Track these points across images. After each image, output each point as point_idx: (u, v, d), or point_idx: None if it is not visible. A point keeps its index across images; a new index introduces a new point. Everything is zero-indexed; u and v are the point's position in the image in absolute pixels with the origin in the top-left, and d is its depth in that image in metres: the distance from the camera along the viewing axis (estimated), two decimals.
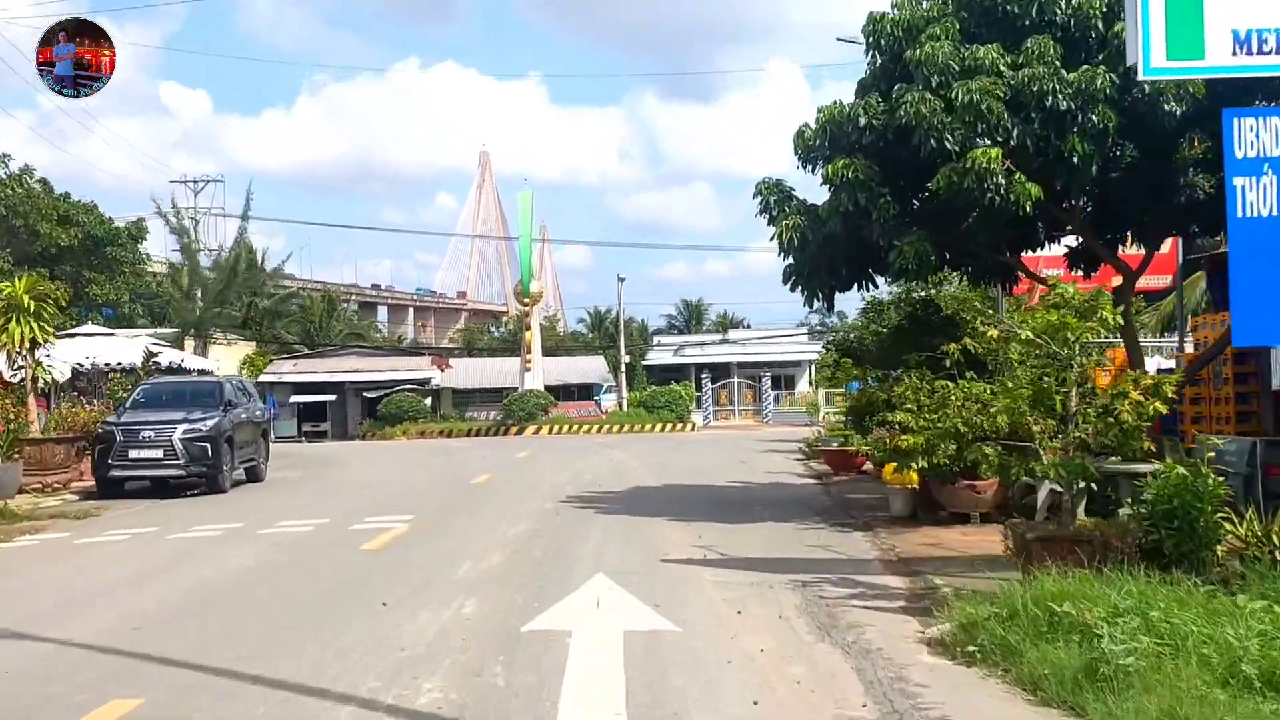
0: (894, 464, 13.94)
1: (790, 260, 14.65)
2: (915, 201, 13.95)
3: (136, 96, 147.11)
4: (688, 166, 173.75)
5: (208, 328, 40.71)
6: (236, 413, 21.89)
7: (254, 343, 65.18)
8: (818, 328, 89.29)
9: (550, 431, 45.47)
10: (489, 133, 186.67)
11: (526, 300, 47.34)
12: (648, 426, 47.36)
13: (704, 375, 61.40)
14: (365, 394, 53.35)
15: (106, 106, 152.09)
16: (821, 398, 61.02)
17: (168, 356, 32.14)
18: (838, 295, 15.43)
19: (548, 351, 66.74)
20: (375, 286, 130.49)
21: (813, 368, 67.34)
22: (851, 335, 39.88)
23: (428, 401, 54.44)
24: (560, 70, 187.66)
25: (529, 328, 47.93)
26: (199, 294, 46.86)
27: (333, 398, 54.89)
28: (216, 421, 20.67)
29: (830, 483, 19.85)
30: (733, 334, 74.47)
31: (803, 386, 67.92)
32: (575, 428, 46.23)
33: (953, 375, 12.97)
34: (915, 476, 13.99)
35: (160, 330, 43.83)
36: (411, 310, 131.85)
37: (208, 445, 20.20)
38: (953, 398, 12.72)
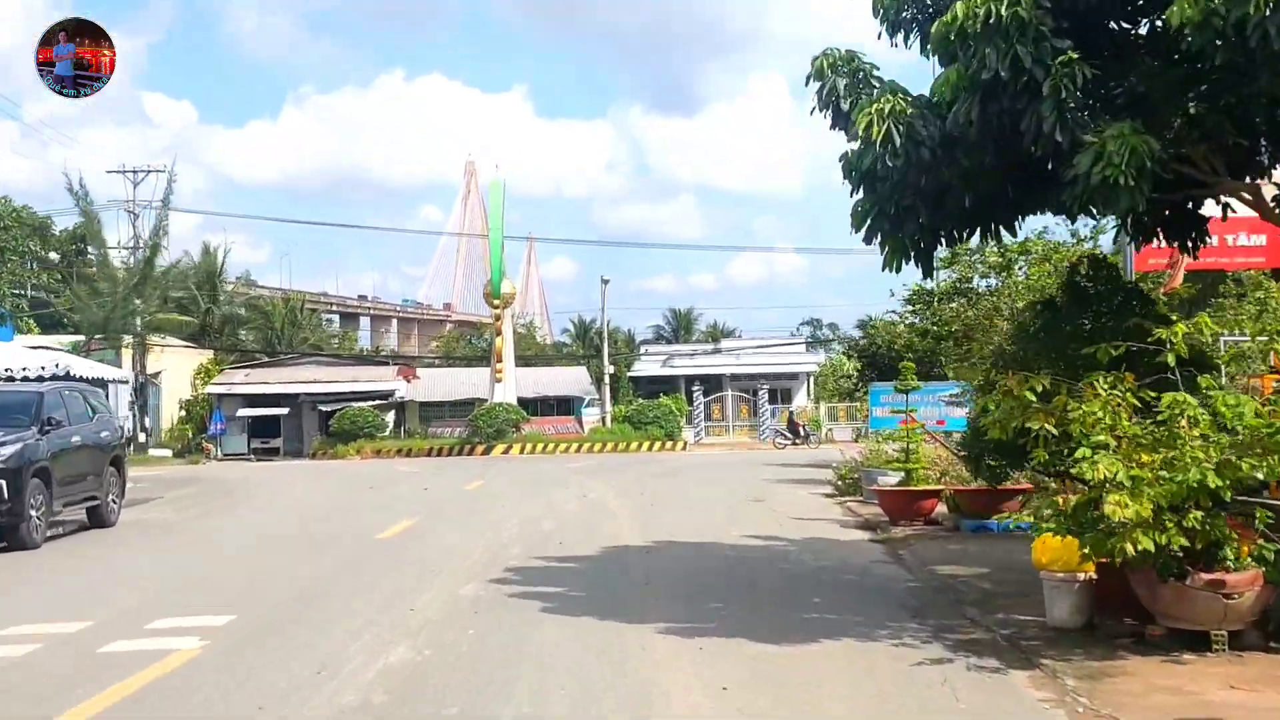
0: (1061, 539, 7.71)
1: (869, 189, 8.30)
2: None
3: (120, 106, 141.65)
4: (673, 179, 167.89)
5: (122, 330, 33.85)
6: (63, 435, 15.50)
7: (212, 350, 58.83)
8: (822, 337, 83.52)
9: (521, 450, 39.15)
10: (475, 144, 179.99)
11: (497, 302, 41.01)
12: (633, 445, 41.12)
13: (695, 388, 55.10)
14: (321, 407, 47.01)
15: (88, 116, 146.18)
16: (823, 412, 54.91)
17: (50, 363, 25.75)
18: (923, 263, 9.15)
19: (525, 361, 60.38)
20: (361, 297, 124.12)
21: (811, 380, 61.00)
22: (884, 337, 34.28)
23: (390, 416, 48.15)
24: (546, 82, 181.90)
25: (500, 332, 41.61)
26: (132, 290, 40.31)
27: (285, 411, 48.53)
28: (19, 449, 14.31)
29: (893, 539, 13.49)
30: (725, 343, 68.08)
31: (800, 400, 61.57)
32: (550, 447, 39.91)
33: (1167, 382, 7.05)
34: (1090, 565, 7.83)
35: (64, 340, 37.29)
36: (395, 321, 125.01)
37: (2, 483, 13.88)
38: (1185, 425, 6.77)
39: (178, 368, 52.11)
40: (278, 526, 17.41)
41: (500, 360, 41.66)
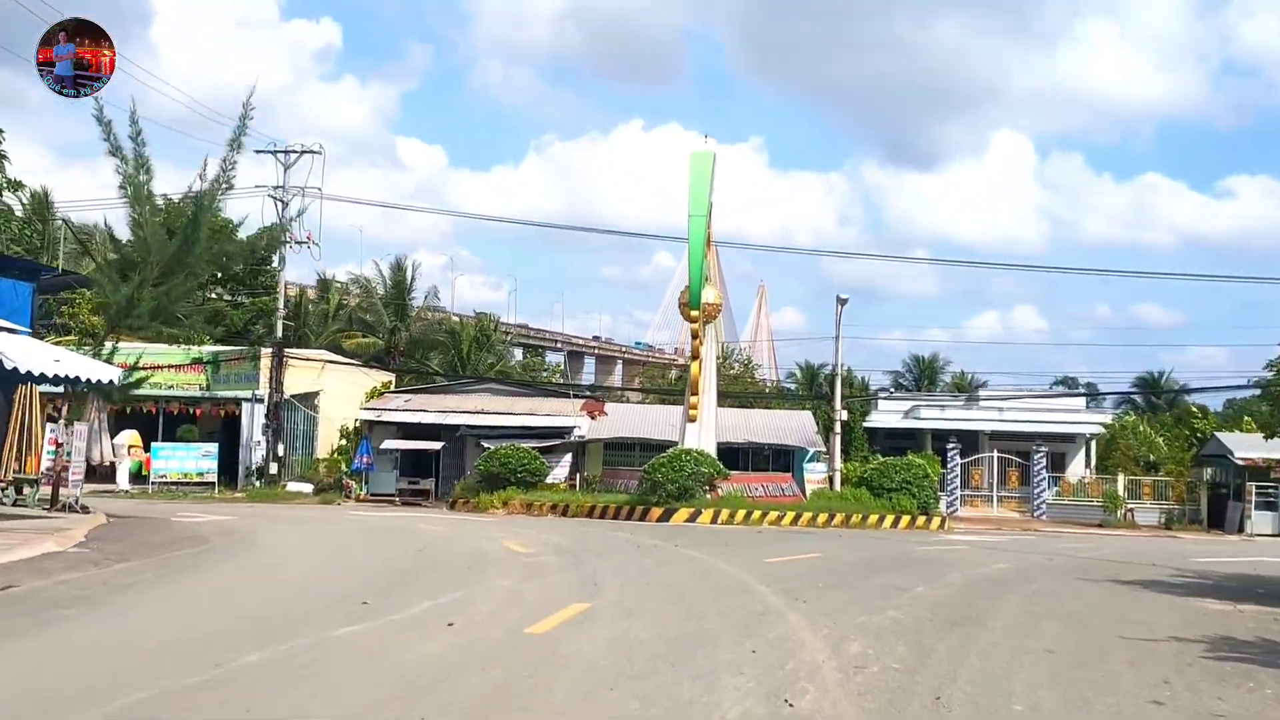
0: None
1: None
2: None
3: (376, 150, 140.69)
4: (907, 233, 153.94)
5: (148, 319, 23.92)
6: None
7: (390, 373, 49.88)
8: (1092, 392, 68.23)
9: (712, 519, 27.30)
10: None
11: (695, 314, 29.46)
12: (871, 519, 28.71)
13: (950, 445, 42.03)
14: (484, 443, 36.65)
15: (344, 157, 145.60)
16: (1121, 486, 40.77)
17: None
18: None
19: (734, 400, 48.60)
20: (595, 338, 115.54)
21: (1092, 443, 46.49)
22: None
23: (566, 460, 37.35)
24: (780, 134, 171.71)
25: (697, 355, 30.03)
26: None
27: (438, 446, 38.47)
28: None
29: None
30: (984, 394, 54.10)
31: (1077, 468, 47.11)
32: (755, 515, 27.90)
33: None
34: None
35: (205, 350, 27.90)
36: (620, 363, 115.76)
37: None
38: None
39: (345, 391, 42.96)
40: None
41: (695, 393, 30.07)
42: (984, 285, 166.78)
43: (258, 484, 38.58)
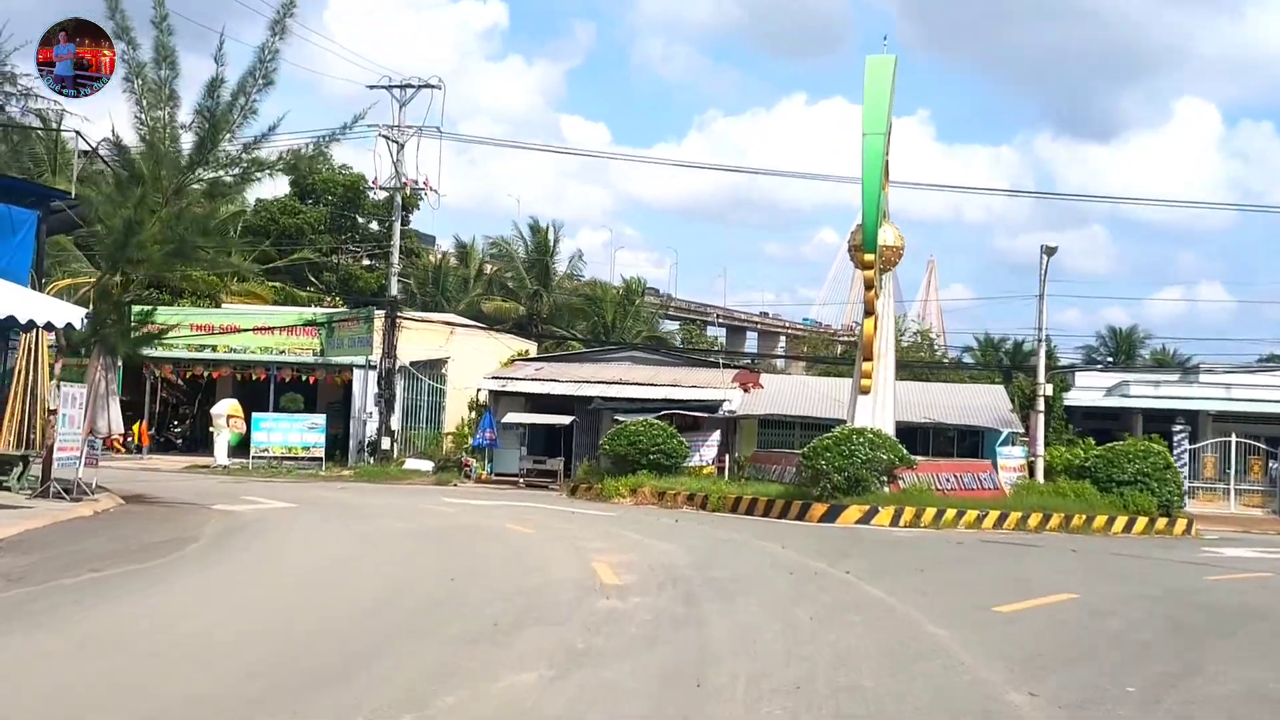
0: None
1: None
2: None
3: (541, 129, 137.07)
4: (1082, 207, 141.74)
5: (153, 251, 18.51)
6: None
7: (528, 341, 44.80)
8: None
9: (892, 520, 20.80)
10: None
11: (869, 257, 22.78)
12: (1098, 522, 21.73)
13: (1177, 428, 34.23)
14: (619, 417, 31.04)
15: (509, 136, 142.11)
16: None
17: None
18: None
19: (912, 372, 41.74)
20: (763, 314, 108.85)
21: None
22: None
23: (714, 438, 31.41)
24: (948, 106, 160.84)
25: (871, 310, 23.45)
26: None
27: (567, 421, 33.04)
28: None
29: None
30: (1205, 369, 45.31)
31: None
32: (944, 515, 21.28)
33: None
34: None
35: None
36: (782, 339, 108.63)
37: None
38: None
39: (477, 359, 37.89)
40: None
41: (869, 358, 23.53)
42: (1166, 259, 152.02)
43: (371, 461, 33.83)
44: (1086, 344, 64.72)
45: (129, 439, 35.78)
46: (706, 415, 31.87)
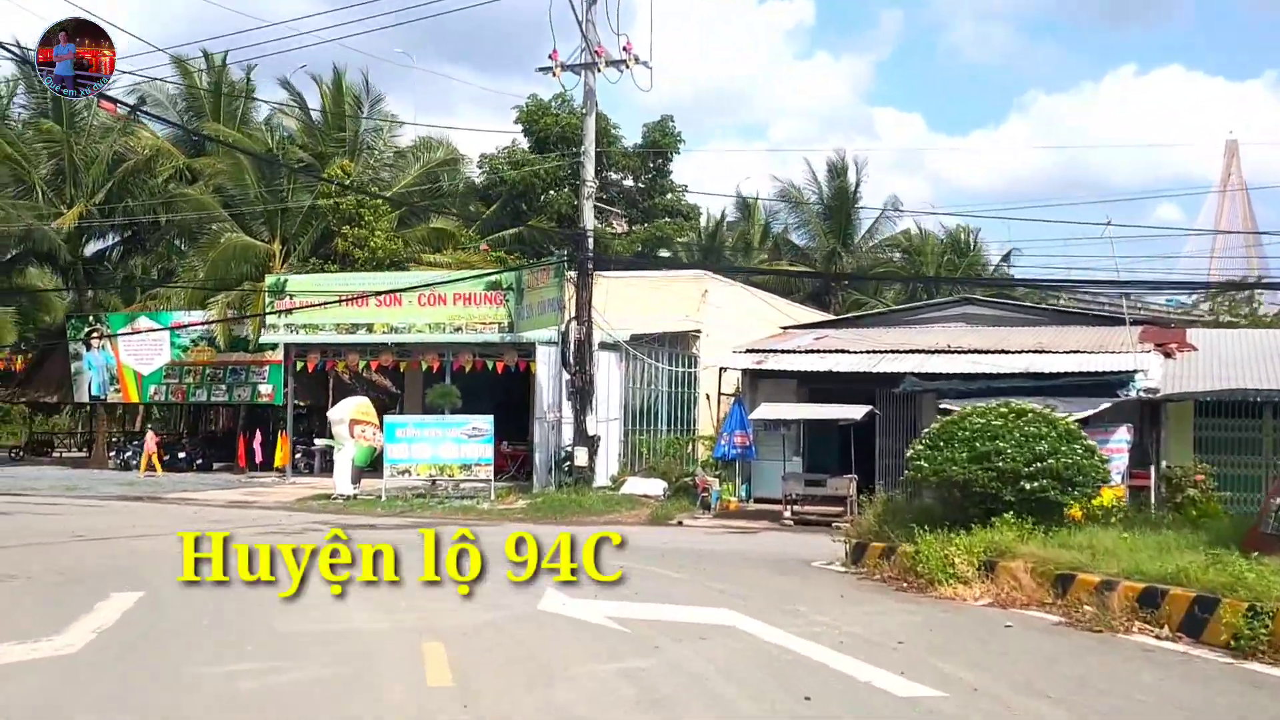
0: None
1: None
2: None
3: (852, 123, 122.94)
4: None
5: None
6: None
7: (821, 311, 31.35)
8: None
9: None
10: (1233, 126, 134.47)
11: None
12: None
13: None
14: (945, 403, 17.02)
15: (818, 135, 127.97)
16: None
17: None
18: None
19: None
20: (1125, 294, 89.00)
21: None
22: None
23: (1122, 436, 16.85)
24: None
25: None
26: None
27: (858, 414, 19.17)
28: None
29: None
30: None
31: None
32: None
33: None
34: None
35: None
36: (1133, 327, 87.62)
37: None
38: None
39: (751, 334, 24.75)
40: None
41: None
42: None
43: (569, 481, 21.38)
44: None
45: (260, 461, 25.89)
46: (1111, 398, 17.43)
